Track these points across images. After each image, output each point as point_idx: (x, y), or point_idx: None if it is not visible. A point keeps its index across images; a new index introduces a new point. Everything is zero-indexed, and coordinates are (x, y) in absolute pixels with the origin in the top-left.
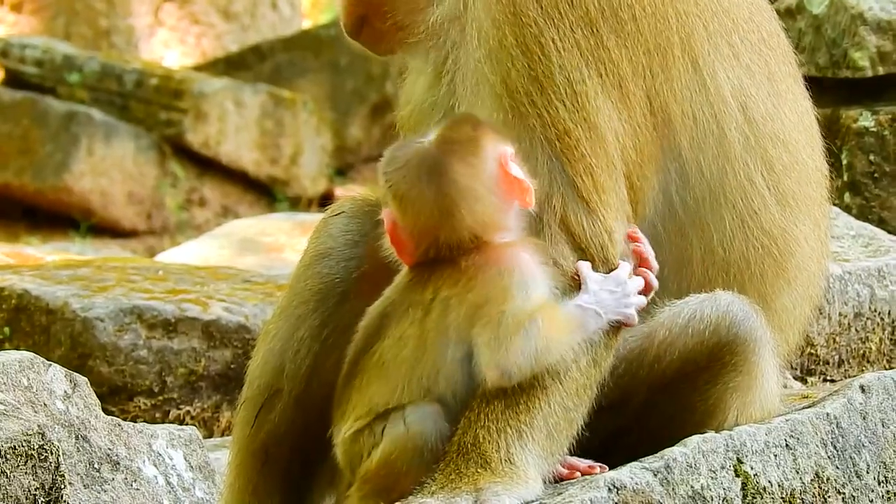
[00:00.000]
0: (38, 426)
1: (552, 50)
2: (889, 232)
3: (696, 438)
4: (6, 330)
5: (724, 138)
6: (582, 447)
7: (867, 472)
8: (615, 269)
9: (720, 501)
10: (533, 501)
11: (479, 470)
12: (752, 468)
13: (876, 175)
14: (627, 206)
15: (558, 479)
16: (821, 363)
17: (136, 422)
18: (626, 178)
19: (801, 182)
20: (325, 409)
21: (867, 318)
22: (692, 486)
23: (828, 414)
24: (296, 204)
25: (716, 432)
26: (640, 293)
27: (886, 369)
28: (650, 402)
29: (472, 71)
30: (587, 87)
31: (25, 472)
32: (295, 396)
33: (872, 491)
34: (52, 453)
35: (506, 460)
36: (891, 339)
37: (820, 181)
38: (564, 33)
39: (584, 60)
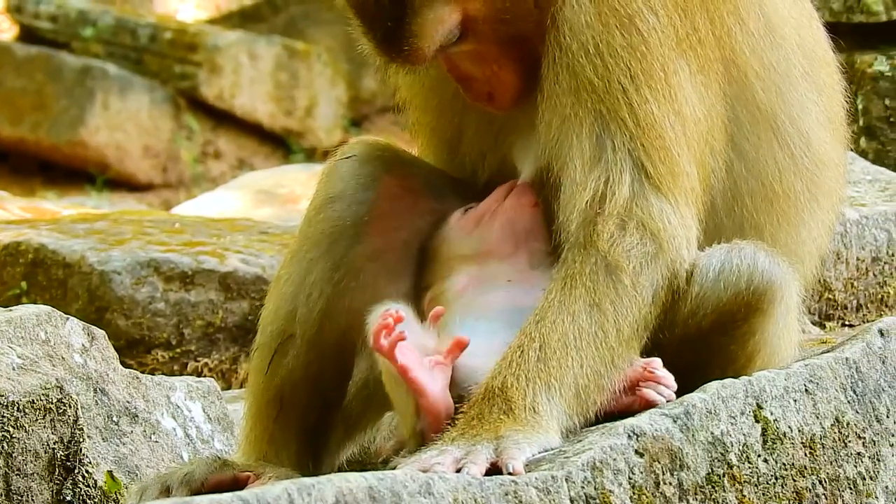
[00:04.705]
0: (57, 380)
1: (657, 46)
2: None
3: (715, 384)
4: (23, 284)
5: (789, 74)
6: None
7: (887, 417)
8: (688, 254)
9: (740, 447)
10: (553, 449)
11: (501, 416)
12: (771, 413)
13: (891, 119)
14: (698, 190)
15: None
16: (839, 308)
17: (153, 374)
18: (698, 157)
19: (837, 102)
20: (339, 353)
21: (885, 263)
22: (712, 433)
23: (847, 359)
24: (311, 155)
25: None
26: None
27: None
28: (682, 356)
29: (567, 71)
30: (680, 77)
31: (44, 426)
32: (308, 340)
33: (893, 435)
34: (70, 407)
35: (530, 408)
36: None
37: (842, 97)
38: (667, 28)
39: (680, 51)
